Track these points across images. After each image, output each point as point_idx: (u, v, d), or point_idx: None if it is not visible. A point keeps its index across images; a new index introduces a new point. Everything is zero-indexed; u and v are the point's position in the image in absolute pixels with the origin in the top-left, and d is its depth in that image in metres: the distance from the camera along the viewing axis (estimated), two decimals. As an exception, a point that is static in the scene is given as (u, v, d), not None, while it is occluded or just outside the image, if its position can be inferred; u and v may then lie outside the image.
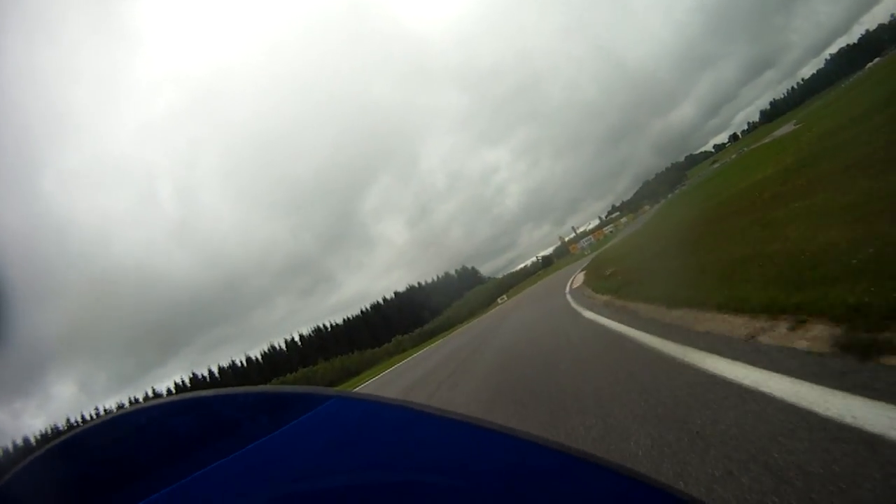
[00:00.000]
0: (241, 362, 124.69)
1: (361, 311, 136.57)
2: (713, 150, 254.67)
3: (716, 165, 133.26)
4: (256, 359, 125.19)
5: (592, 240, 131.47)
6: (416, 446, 0.51)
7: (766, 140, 56.36)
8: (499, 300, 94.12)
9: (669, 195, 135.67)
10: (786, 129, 51.43)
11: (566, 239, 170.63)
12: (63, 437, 0.47)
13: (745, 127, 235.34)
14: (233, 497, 0.47)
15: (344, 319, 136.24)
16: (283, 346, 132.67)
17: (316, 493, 0.48)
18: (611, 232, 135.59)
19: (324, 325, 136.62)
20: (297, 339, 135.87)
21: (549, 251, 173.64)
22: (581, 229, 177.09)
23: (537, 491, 0.48)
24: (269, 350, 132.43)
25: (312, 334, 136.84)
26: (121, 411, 0.48)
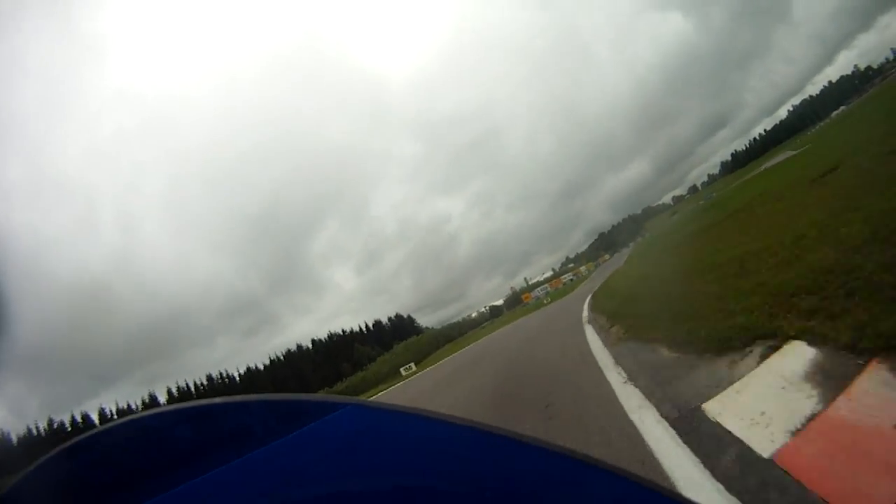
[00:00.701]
0: (111, 412, 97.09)
1: (271, 361, 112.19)
2: (672, 203, 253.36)
3: (675, 216, 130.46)
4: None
5: (549, 288, 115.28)
6: (431, 453, 0.50)
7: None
8: (402, 371, 58.90)
9: (631, 244, 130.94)
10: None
11: (517, 288, 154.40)
12: (72, 441, 0.47)
13: (705, 179, 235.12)
14: (242, 499, 0.47)
15: (247, 369, 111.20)
16: (166, 399, 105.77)
17: (325, 498, 0.48)
18: (571, 280, 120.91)
19: (220, 375, 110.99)
20: (189, 389, 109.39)
21: (499, 302, 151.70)
22: (534, 280, 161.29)
23: (552, 498, 0.48)
24: (148, 401, 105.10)
25: (205, 386, 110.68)
26: (131, 416, 0.49)
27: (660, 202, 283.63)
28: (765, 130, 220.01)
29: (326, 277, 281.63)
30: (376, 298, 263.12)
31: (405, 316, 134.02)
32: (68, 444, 0.47)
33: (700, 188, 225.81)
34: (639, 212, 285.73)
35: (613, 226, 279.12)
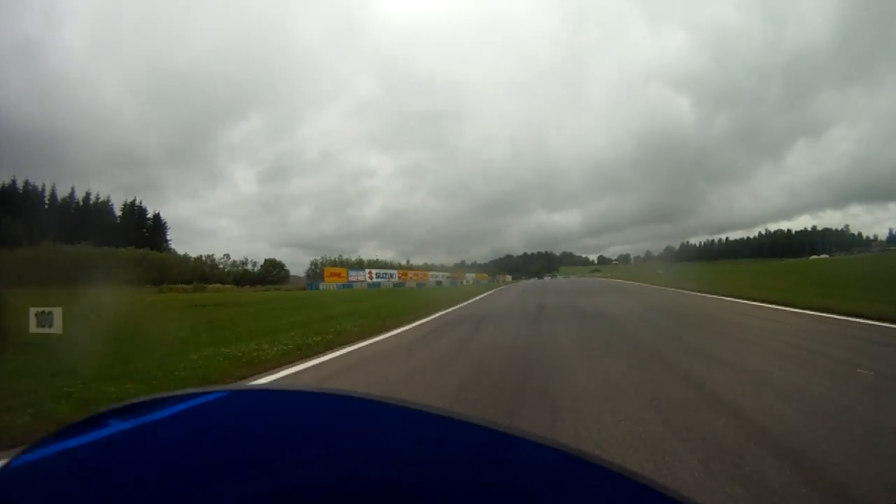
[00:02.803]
0: None
1: None
2: (596, 262, 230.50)
3: (597, 275, 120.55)
4: None
5: (396, 278, 70.31)
6: (309, 431, 0.47)
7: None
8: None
9: (546, 276, 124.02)
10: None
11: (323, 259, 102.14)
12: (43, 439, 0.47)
13: (642, 255, 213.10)
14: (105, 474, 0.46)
15: None
16: None
17: (192, 482, 0.45)
18: (438, 283, 78.05)
19: None
20: None
21: (301, 273, 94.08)
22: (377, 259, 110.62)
23: (484, 474, 0.43)
24: None
25: None
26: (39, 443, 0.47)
27: (584, 255, 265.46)
28: (702, 242, 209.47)
29: (226, 171, 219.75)
30: (266, 216, 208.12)
31: (157, 217, 79.42)
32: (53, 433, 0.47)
33: (632, 261, 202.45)
34: (558, 254, 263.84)
35: (525, 254, 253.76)
